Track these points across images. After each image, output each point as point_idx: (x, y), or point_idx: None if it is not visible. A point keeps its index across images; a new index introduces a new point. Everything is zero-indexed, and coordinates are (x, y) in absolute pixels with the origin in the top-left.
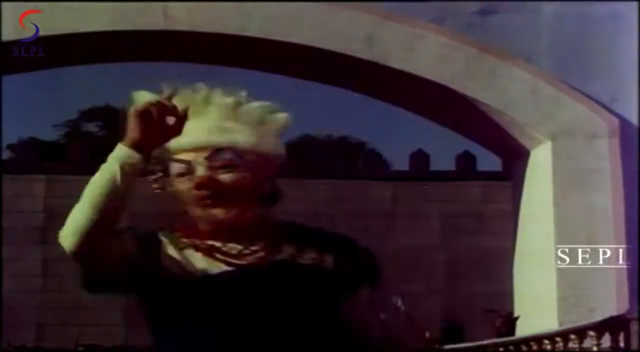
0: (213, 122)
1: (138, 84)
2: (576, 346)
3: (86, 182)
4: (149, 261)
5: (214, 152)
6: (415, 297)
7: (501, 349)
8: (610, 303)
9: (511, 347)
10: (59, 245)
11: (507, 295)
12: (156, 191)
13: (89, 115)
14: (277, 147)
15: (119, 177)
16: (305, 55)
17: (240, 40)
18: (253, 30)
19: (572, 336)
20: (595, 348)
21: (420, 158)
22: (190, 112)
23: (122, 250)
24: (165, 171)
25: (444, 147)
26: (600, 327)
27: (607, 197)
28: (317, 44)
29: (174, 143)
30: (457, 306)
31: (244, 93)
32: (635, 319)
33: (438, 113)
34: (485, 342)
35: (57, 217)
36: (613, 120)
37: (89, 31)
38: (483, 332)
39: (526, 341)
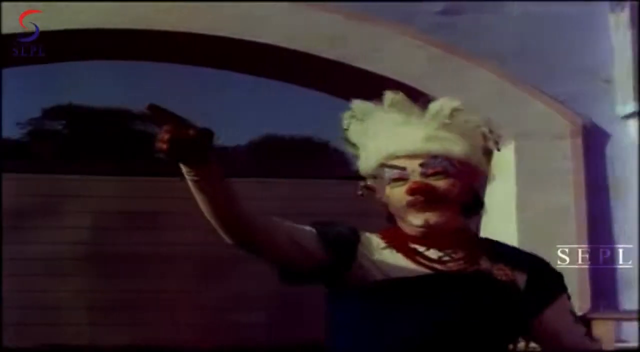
0: (428, 130)
1: (104, 83)
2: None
3: (50, 180)
4: (342, 256)
5: (429, 159)
6: None
7: None
8: (575, 302)
9: None
10: (24, 244)
11: None
12: (359, 195)
13: (52, 113)
14: (483, 159)
15: (195, 188)
16: (271, 55)
17: (209, 40)
18: (222, 30)
19: None
20: None
21: None
22: (405, 121)
23: (299, 244)
24: (377, 177)
25: None
26: None
27: (570, 198)
28: (283, 43)
29: (389, 150)
30: None
31: (457, 104)
32: (599, 318)
33: None
34: None
35: (23, 216)
36: (576, 121)
37: (54, 30)
38: None
39: None
